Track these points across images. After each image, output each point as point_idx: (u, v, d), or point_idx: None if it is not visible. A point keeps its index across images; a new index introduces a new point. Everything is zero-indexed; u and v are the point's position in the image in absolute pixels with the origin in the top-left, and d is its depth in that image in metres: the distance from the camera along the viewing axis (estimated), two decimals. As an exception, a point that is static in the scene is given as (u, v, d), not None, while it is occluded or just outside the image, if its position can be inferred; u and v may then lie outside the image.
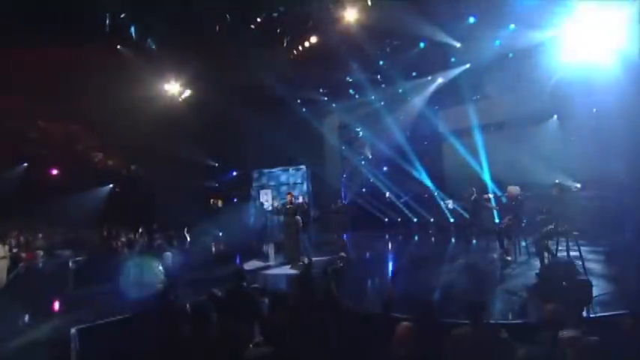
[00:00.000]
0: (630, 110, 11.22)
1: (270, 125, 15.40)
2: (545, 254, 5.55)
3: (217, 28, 10.33)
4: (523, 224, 6.89)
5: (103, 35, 10.85)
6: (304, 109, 15.87)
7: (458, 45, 10.73)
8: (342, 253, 3.72)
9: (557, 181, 6.78)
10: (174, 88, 14.02)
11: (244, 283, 4.63)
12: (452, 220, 12.11)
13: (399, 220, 13.46)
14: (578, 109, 12.36)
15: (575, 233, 5.86)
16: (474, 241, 8.57)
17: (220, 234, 13.35)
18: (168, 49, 12.26)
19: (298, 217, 8.09)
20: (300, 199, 11.82)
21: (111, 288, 6.86)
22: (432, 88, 14.17)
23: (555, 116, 13.06)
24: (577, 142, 12.02)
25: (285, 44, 11.19)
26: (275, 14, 9.58)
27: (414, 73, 13.21)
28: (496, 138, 13.63)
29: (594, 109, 12.13)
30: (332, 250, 9.34)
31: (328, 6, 9.20)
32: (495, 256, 7.26)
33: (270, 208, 16.14)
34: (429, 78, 13.76)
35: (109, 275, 7.22)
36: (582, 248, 5.89)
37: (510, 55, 11.47)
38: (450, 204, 14.17)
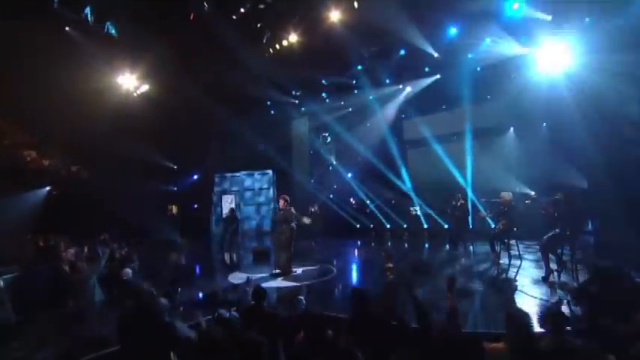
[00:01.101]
0: (576, 124, 12.53)
1: (236, 126, 14.57)
2: (551, 257, 5.69)
3: (192, 16, 9.42)
4: (515, 229, 7.10)
5: (48, 11, 9.34)
6: (273, 111, 15.28)
7: (436, 55, 10.99)
8: (390, 264, 3.31)
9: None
10: (129, 81, 12.61)
11: (264, 303, 3.98)
12: (425, 225, 12.33)
13: (372, 225, 13.41)
14: (532, 122, 13.48)
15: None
16: (461, 247, 8.69)
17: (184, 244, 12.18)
18: (127, 37, 10.97)
19: (293, 225, 7.52)
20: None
21: (70, 312, 5.67)
22: (402, 96, 14.45)
23: (512, 128, 13.96)
24: (531, 153, 12.88)
25: (265, 40, 10.56)
26: (262, 5, 8.94)
27: (387, 80, 13.31)
28: (459, 147, 14.19)
29: (544, 124, 13.29)
30: (316, 259, 8.91)
31: (317, 4, 8.83)
32: (489, 261, 7.38)
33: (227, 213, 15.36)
34: (400, 86, 14.01)
35: (58, 295, 5.98)
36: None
37: (478, 69, 12.04)
38: (418, 210, 14.54)
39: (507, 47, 10.52)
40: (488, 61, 11.57)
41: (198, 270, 9.10)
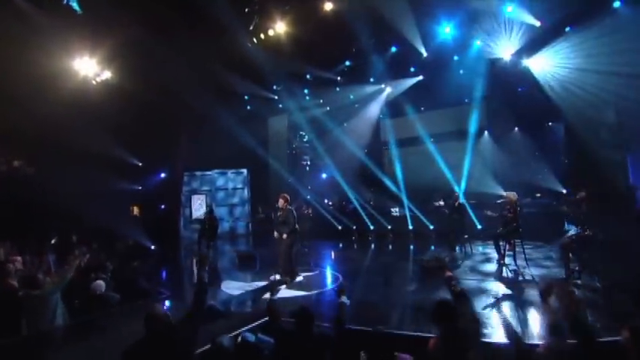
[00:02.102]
0: (543, 130, 13.23)
1: (209, 121, 13.53)
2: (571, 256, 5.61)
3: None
4: (521, 230, 7.04)
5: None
6: (250, 106, 14.40)
7: (425, 54, 10.90)
8: (449, 273, 2.88)
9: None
10: (88, 67, 11.17)
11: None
12: (410, 227, 12.19)
13: (354, 227, 13.05)
14: (504, 126, 14.01)
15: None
16: (458, 248, 8.55)
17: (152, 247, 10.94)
18: (90, 13, 9.64)
19: (296, 227, 6.87)
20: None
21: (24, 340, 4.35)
22: (383, 96, 14.31)
23: (486, 132, 14.35)
24: (504, 155, 13.27)
25: (252, 27, 9.78)
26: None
27: (371, 79, 13.07)
28: (438, 148, 14.31)
29: (516, 128, 13.87)
30: (310, 264, 8.31)
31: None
32: (495, 263, 7.26)
33: (201, 216, 14.23)
34: (382, 86, 13.84)
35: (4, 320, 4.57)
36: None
37: (461, 71, 12.18)
38: (397, 211, 14.45)
39: (494, 50, 10.75)
40: (471, 65, 11.79)
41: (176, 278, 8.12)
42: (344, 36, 9.90)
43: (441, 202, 13.28)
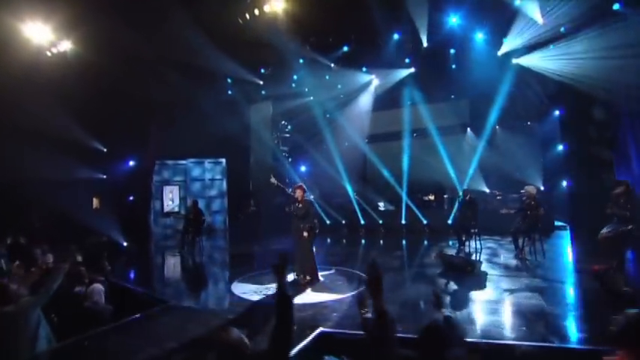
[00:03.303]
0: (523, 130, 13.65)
1: (185, 104, 12.25)
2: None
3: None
4: (540, 225, 6.96)
5: None
6: (231, 91, 13.25)
7: (425, 45, 10.60)
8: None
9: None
10: (42, 35, 9.54)
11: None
12: (403, 221, 11.93)
13: (344, 222, 12.54)
14: (486, 124, 14.22)
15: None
16: (467, 243, 8.35)
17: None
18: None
19: (315, 221, 6.17)
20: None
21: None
22: (372, 88, 13.89)
23: (469, 129, 14.52)
24: (487, 153, 13.47)
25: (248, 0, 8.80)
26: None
27: (364, 69, 12.58)
28: (420, 144, 14.24)
29: (497, 127, 14.16)
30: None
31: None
32: (514, 257, 7.11)
33: (174, 209, 12.94)
34: (373, 76, 13.40)
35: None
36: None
37: (454, 66, 12.10)
38: (382, 206, 14.18)
39: (493, 45, 10.74)
40: (465, 60, 11.74)
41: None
42: (347, 18, 9.27)
43: (431, 197, 13.24)
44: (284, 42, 10.11)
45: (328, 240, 11.26)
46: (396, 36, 10.48)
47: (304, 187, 6.30)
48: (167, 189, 13.00)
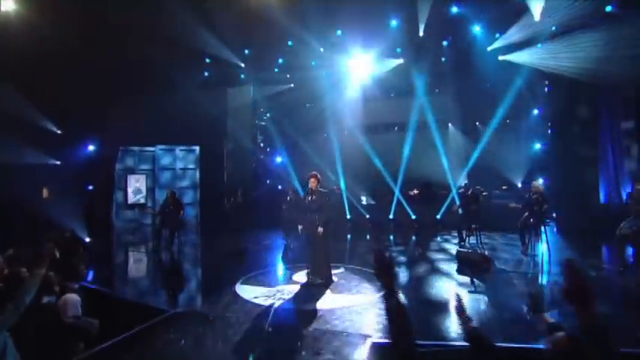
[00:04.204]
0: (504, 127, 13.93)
1: (155, 83, 10.94)
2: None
3: None
4: (548, 221, 6.90)
5: None
6: (208, 72, 12.06)
7: (421, 34, 10.27)
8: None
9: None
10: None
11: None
12: (391, 216, 11.63)
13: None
14: (467, 120, 14.40)
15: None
16: (468, 238, 8.16)
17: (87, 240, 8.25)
18: None
19: (331, 214, 5.53)
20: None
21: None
22: (359, 77, 13.40)
23: (450, 124, 14.59)
24: (470, 147, 13.58)
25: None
26: None
27: (353, 56, 12.00)
28: (401, 137, 14.08)
29: (477, 123, 14.37)
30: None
31: None
32: (521, 253, 6.98)
33: (139, 200, 11.60)
34: (361, 65, 12.85)
35: None
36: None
37: (443, 59, 11.97)
38: (364, 200, 13.84)
39: (488, 40, 10.69)
40: (455, 53, 11.64)
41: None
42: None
43: (415, 191, 13.07)
44: (275, 20, 9.24)
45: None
46: (394, 22, 10.00)
47: (318, 176, 5.60)
48: (132, 178, 11.58)
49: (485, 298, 4.69)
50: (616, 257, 5.77)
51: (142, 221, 11.68)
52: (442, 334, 3.64)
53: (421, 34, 10.33)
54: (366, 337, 3.51)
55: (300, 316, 4.17)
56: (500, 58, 11.37)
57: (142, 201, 11.71)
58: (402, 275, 5.89)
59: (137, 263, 7.50)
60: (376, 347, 3.36)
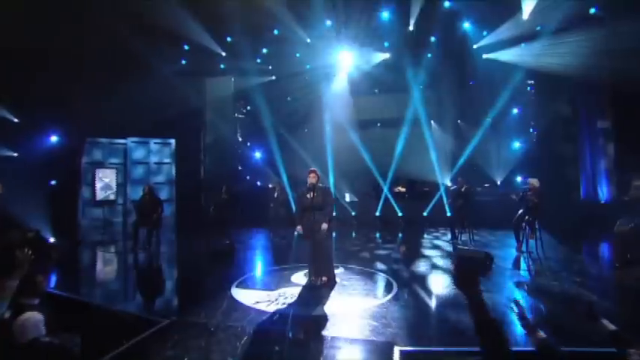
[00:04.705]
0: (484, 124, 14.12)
1: (127, 69, 10.06)
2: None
3: None
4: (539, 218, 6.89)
5: None
6: (186, 60, 11.27)
7: (411, 28, 10.12)
8: None
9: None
10: None
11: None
12: (378, 214, 11.42)
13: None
14: (448, 117, 14.50)
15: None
16: (461, 235, 8.09)
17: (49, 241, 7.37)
18: None
19: (333, 212, 5.14)
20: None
21: None
22: (343, 71, 13.10)
23: (432, 121, 14.64)
24: (449, 145, 13.72)
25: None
26: None
27: (341, 49, 11.67)
28: (385, 134, 13.99)
29: (458, 121, 14.51)
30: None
31: None
32: (516, 250, 6.95)
33: (109, 197, 10.69)
34: (347, 58, 12.55)
35: None
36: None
37: (429, 55, 11.90)
38: (348, 197, 13.58)
39: (475, 36, 10.70)
40: (442, 50, 11.59)
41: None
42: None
43: (401, 188, 12.98)
44: (261, 6, 8.73)
45: (295, 233, 10.27)
46: (385, 14, 9.74)
47: (317, 172, 5.22)
48: (100, 173, 10.62)
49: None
50: (612, 254, 5.81)
51: (111, 219, 10.79)
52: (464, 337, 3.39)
53: (411, 28, 10.19)
54: (391, 344, 3.19)
55: (312, 323, 3.78)
56: (485, 56, 11.50)
57: (112, 197, 10.79)
58: (405, 273, 5.66)
59: (112, 266, 6.75)
60: (405, 356, 3.05)
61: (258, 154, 14.88)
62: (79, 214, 10.17)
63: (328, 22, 9.98)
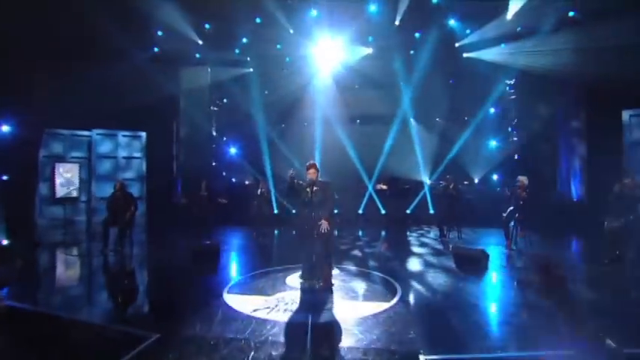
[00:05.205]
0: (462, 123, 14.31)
1: (93, 55, 9.22)
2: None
3: None
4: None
5: None
6: (158, 48, 10.46)
7: (397, 22, 9.95)
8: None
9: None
10: None
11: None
12: (360, 211, 11.20)
13: (294, 211, 11.17)
14: (428, 115, 14.57)
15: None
16: (450, 234, 8.02)
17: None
18: None
19: (334, 209, 4.82)
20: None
21: None
22: (324, 65, 12.74)
23: (412, 119, 14.66)
24: (429, 143, 13.77)
25: None
26: None
27: (323, 40, 11.30)
28: (362, 130, 13.83)
29: (437, 119, 14.62)
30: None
31: None
32: (505, 248, 6.95)
33: (71, 194, 9.76)
34: (329, 51, 12.19)
35: None
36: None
37: (412, 52, 11.84)
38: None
39: (458, 35, 10.72)
40: (424, 46, 11.54)
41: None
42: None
43: (383, 186, 12.85)
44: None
45: (275, 231, 9.88)
46: (372, 7, 9.49)
47: (317, 165, 4.86)
48: (60, 167, 9.65)
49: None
50: (601, 251, 5.91)
51: (73, 218, 9.85)
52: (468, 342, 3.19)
53: (397, 22, 10.03)
54: (416, 353, 2.92)
55: (323, 332, 3.44)
56: (465, 55, 11.59)
57: (75, 194, 9.85)
58: (402, 273, 5.44)
59: (80, 271, 6.02)
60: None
61: (233, 150, 14.26)
62: (35, 212, 9.17)
63: (314, 12, 9.59)
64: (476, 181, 12.99)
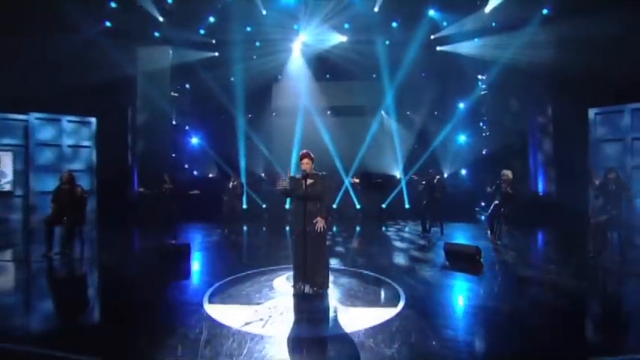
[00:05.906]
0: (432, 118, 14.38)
1: (30, 23, 7.90)
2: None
3: None
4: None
5: None
6: (111, 22, 9.19)
7: (376, 9, 9.56)
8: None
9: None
10: None
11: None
12: (335, 206, 10.71)
13: (264, 206, 10.43)
14: (399, 109, 14.45)
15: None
16: (432, 228, 7.78)
17: None
18: None
19: (331, 205, 4.24)
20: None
21: None
22: (295, 52, 12.11)
23: (383, 112, 14.49)
24: (403, 137, 13.65)
25: None
26: None
27: (296, 26, 10.66)
28: (337, 122, 13.48)
29: (408, 112, 14.58)
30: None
31: None
32: (490, 243, 6.82)
33: (3, 187, 8.34)
34: (301, 37, 11.56)
35: None
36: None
37: (387, 42, 11.56)
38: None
39: (436, 26, 10.56)
40: (400, 38, 11.29)
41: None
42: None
43: (356, 180, 12.49)
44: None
45: (244, 228, 9.17)
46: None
47: (312, 155, 4.28)
48: (-8, 155, 8.17)
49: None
50: (587, 243, 5.93)
51: (6, 216, 8.42)
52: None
53: (376, 9, 9.63)
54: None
55: (336, 349, 2.91)
56: (439, 48, 11.51)
57: (7, 188, 8.41)
58: (399, 273, 5.04)
59: (15, 282, 4.96)
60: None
61: (196, 140, 13.23)
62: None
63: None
64: (445, 175, 13.05)
